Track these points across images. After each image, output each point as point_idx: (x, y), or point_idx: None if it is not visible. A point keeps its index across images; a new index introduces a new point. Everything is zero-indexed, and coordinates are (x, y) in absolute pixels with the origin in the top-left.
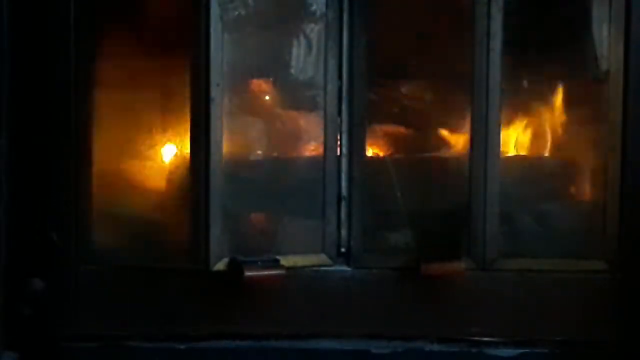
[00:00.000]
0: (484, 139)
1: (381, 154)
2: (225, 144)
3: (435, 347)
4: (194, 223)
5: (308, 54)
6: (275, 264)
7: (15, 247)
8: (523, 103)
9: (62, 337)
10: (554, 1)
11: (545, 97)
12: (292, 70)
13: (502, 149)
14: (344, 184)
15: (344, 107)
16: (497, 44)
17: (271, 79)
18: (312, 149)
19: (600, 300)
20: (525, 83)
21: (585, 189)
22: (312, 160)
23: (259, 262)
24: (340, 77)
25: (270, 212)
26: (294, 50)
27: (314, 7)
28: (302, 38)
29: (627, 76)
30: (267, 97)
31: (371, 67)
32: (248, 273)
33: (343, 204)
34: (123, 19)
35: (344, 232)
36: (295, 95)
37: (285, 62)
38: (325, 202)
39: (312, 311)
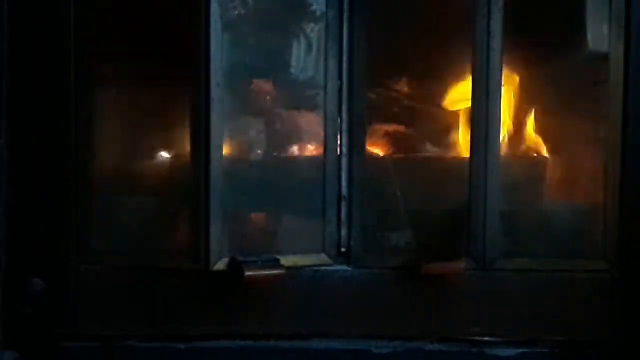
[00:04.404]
0: (484, 139)
1: (381, 154)
2: (225, 144)
3: (436, 346)
4: (194, 223)
5: (308, 53)
6: (275, 263)
7: (15, 247)
8: (523, 102)
9: (62, 337)
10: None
11: (545, 97)
12: (292, 70)
13: (502, 148)
14: (344, 183)
15: (344, 106)
16: (497, 43)
17: (271, 78)
18: (312, 148)
19: (600, 300)
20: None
21: (585, 189)
22: (312, 160)
23: (259, 262)
24: (340, 76)
25: (270, 212)
26: (294, 50)
27: (314, 7)
28: (302, 38)
29: (627, 76)
30: (267, 97)
31: (371, 67)
32: (248, 273)
33: (343, 203)
34: (123, 19)
35: (344, 231)
36: (295, 95)
37: (285, 61)
38: (325, 201)
39: (312, 311)
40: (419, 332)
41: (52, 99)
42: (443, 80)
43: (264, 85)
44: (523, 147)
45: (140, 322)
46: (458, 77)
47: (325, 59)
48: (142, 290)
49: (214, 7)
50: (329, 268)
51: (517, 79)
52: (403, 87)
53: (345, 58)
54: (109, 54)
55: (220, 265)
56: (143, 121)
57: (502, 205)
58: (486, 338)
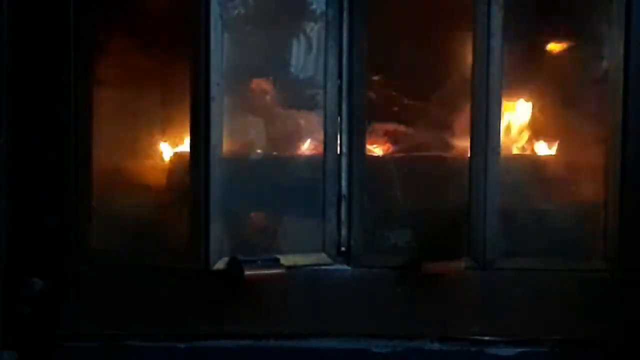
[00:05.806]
0: (484, 139)
1: (381, 153)
2: (225, 143)
3: (436, 346)
4: (193, 222)
5: (308, 53)
6: (275, 263)
7: (15, 247)
8: (523, 102)
9: (62, 336)
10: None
11: (545, 97)
12: (292, 69)
13: (502, 148)
14: (344, 183)
15: (344, 106)
16: (497, 43)
17: (271, 78)
18: (312, 148)
19: (601, 300)
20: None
21: (585, 189)
22: (312, 159)
23: (259, 261)
24: (340, 76)
25: (270, 211)
26: (294, 49)
27: (314, 6)
28: (302, 37)
29: (627, 76)
30: (267, 96)
31: (371, 67)
32: (248, 272)
33: (343, 203)
34: (123, 19)
35: (344, 231)
36: (295, 94)
37: (285, 61)
38: (326, 201)
39: (312, 310)
40: (419, 332)
41: (52, 99)
42: (443, 80)
43: (264, 85)
44: (523, 147)
45: (140, 322)
46: (458, 77)
47: (325, 59)
48: (142, 290)
49: (214, 7)
50: (329, 268)
51: (517, 78)
52: (403, 86)
53: (345, 58)
54: (109, 53)
55: (220, 265)
56: (143, 121)
57: (502, 205)
58: (486, 338)
